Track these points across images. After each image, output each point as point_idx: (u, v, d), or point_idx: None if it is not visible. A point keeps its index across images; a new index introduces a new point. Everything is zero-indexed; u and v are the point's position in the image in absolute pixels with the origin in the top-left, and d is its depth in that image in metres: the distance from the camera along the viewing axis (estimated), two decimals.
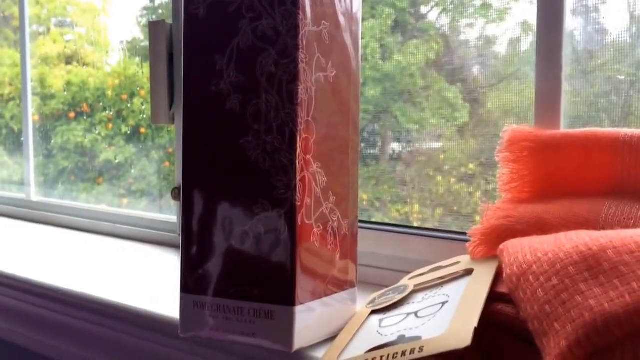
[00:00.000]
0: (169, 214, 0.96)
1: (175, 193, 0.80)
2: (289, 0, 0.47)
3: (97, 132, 1.10)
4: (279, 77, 0.48)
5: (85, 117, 1.12)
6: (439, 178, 0.88)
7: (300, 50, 0.47)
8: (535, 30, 0.62)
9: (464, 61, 0.90)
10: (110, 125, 1.10)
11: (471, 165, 0.86)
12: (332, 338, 0.51)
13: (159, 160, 1.06)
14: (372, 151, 1.03)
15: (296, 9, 0.47)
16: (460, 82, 0.90)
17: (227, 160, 0.49)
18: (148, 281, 0.73)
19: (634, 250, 0.38)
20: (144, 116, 1.07)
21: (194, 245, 0.50)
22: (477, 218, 0.86)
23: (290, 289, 0.47)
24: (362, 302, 0.56)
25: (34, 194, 1.15)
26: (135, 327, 0.63)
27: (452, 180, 0.88)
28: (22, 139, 1.13)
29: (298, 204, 0.47)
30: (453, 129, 0.89)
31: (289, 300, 0.47)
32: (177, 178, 0.86)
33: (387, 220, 0.93)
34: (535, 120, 0.62)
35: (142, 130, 1.07)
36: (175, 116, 0.84)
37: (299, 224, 0.47)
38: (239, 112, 0.49)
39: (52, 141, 1.15)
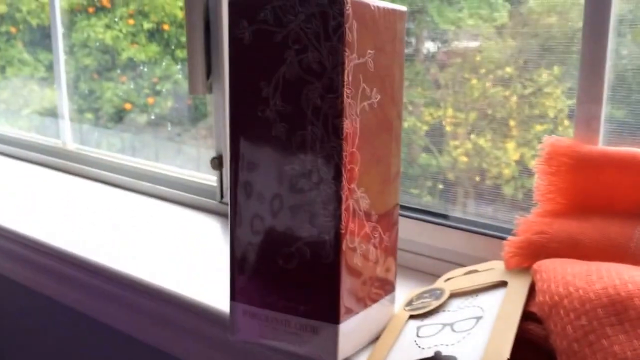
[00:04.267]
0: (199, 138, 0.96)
1: (214, 163, 0.80)
2: (335, 36, 0.46)
3: (118, 28, 1.06)
4: (324, 111, 0.47)
5: (105, 13, 1.07)
6: (474, 81, 0.86)
7: (346, 86, 0.46)
8: None
9: None
10: (132, 21, 1.05)
11: (508, 69, 0.84)
12: (373, 341, 0.54)
13: (183, 59, 1.03)
14: (406, 51, 0.99)
15: (342, 46, 0.46)
16: None
17: (274, 186, 0.50)
18: (183, 256, 0.74)
19: None
20: (166, 12, 1.02)
21: (243, 257, 0.52)
22: (512, 123, 0.85)
23: (335, 308, 0.49)
24: (399, 292, 0.59)
25: (70, 140, 1.13)
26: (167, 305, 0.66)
27: (488, 83, 0.85)
28: (49, 33, 1.07)
29: (342, 231, 0.48)
30: (491, 30, 0.84)
31: (334, 318, 0.49)
32: (217, 146, 0.85)
33: (419, 125, 0.93)
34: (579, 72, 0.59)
35: (165, 27, 1.03)
36: (212, 86, 0.82)
37: (344, 249, 0.48)
38: (285, 140, 0.49)
39: (73, 37, 1.11)
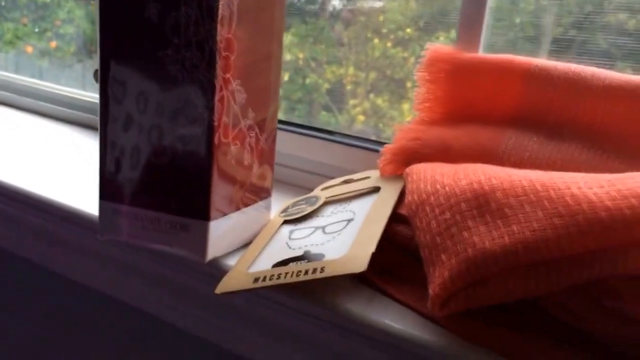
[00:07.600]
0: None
1: (97, 75, 0.77)
2: None
3: None
4: None
5: None
6: (376, 41, 0.87)
7: None
8: None
9: None
10: None
11: (408, 30, 0.85)
12: (246, 244, 0.54)
13: (86, 1, 1.00)
14: (311, 7, 1.00)
15: None
16: None
17: (145, 75, 0.48)
18: (60, 167, 0.72)
19: (519, 195, 0.41)
20: None
21: (113, 155, 0.51)
22: (409, 84, 0.87)
23: (205, 205, 0.48)
24: (276, 205, 0.59)
25: None
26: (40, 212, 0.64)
27: (389, 44, 0.87)
28: None
29: (215, 124, 0.47)
30: None
31: (203, 215, 0.49)
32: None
33: (321, 82, 0.93)
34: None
35: None
36: None
37: (216, 143, 0.47)
38: (158, 23, 0.47)
39: None
